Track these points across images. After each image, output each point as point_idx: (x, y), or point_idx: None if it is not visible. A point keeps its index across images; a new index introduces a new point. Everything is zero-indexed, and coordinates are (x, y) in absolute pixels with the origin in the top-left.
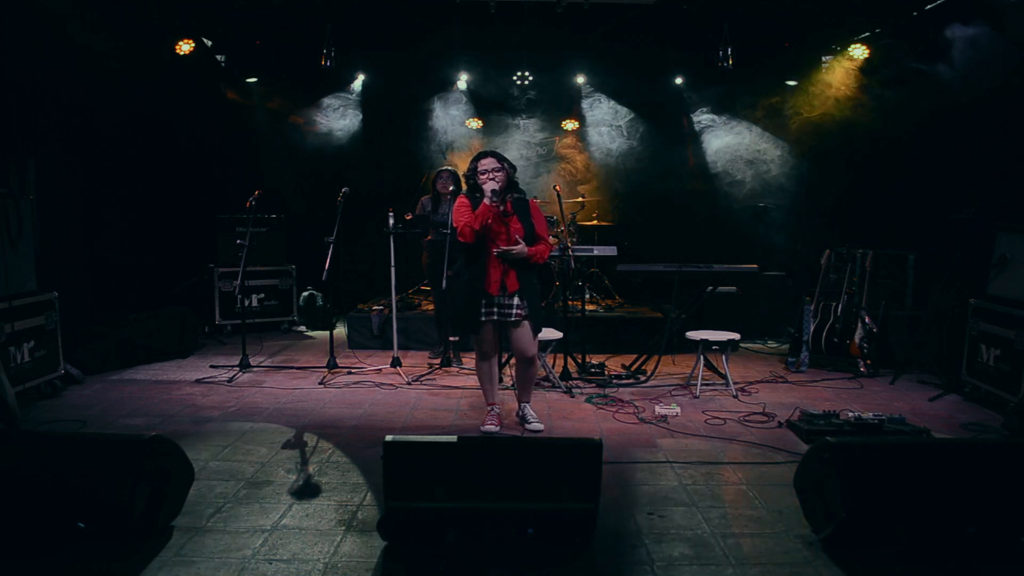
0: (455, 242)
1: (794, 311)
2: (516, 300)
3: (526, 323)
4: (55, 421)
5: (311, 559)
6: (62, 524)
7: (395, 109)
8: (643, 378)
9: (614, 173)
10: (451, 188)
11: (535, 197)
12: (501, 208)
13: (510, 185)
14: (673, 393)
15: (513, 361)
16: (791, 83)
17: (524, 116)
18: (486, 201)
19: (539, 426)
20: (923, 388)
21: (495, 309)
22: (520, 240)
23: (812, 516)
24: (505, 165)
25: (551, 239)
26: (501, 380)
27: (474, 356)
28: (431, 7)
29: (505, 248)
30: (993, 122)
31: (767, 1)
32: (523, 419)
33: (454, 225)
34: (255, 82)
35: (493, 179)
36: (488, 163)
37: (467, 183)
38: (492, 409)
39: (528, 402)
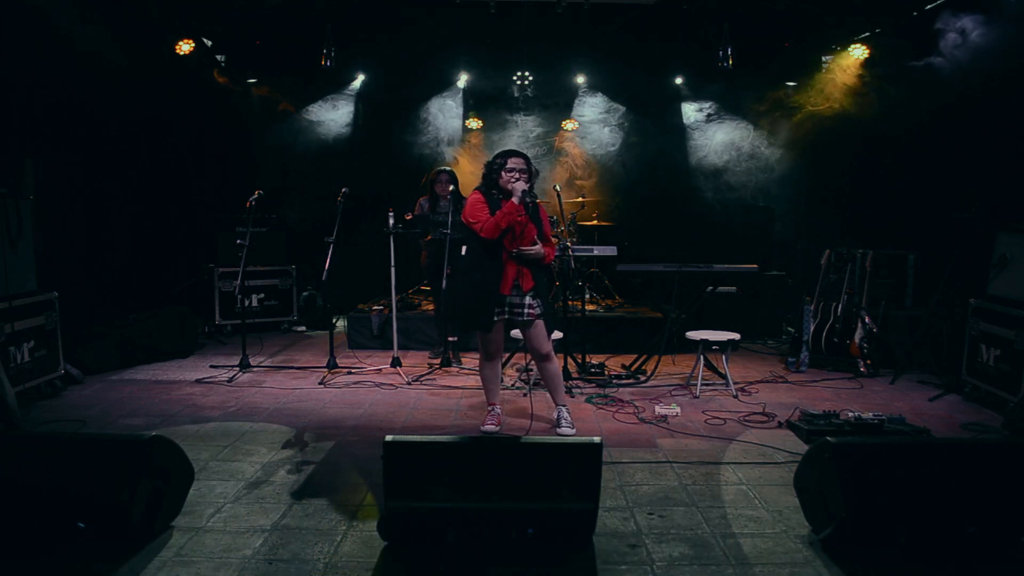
0: (456, 241)
1: (794, 311)
2: (528, 299)
3: (539, 321)
4: (55, 421)
5: (311, 559)
6: (62, 524)
7: (395, 108)
8: (643, 378)
9: (613, 172)
10: (451, 188)
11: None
12: (532, 205)
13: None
14: (673, 393)
15: (513, 361)
16: (791, 84)
17: (523, 114)
18: (515, 200)
19: (570, 431)
20: (923, 388)
21: (506, 309)
22: (537, 240)
23: (812, 516)
24: (530, 167)
25: (552, 239)
26: (502, 380)
27: (474, 356)
28: (431, 6)
29: (524, 248)
30: (993, 121)
31: (767, 1)
32: (557, 422)
33: (472, 220)
34: (255, 82)
35: (522, 179)
36: (518, 162)
37: (486, 178)
38: (493, 409)
39: (565, 405)
